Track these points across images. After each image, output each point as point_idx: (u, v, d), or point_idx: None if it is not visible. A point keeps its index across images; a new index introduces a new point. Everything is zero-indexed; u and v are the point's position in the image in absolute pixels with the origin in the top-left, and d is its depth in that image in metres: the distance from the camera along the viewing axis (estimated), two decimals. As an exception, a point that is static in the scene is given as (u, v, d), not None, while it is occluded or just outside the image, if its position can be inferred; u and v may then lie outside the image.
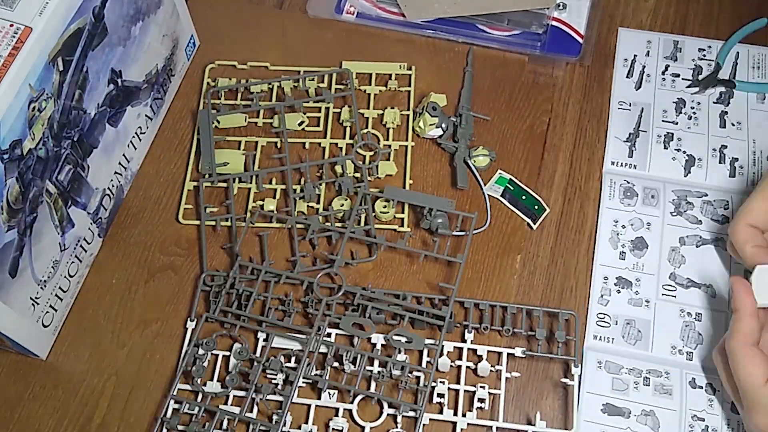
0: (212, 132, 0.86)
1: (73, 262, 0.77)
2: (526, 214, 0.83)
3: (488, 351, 0.75)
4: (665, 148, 0.86)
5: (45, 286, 0.73)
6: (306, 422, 0.73)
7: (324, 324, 0.75)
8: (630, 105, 0.89)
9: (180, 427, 0.72)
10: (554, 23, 0.92)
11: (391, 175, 0.85)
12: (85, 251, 0.79)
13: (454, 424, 0.72)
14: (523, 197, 0.83)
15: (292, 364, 0.75)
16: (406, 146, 0.87)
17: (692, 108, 0.88)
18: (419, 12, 0.93)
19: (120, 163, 0.82)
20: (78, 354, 0.77)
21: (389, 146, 0.87)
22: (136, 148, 0.85)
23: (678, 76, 0.90)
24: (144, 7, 0.79)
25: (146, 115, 0.85)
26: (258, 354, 0.76)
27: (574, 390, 0.73)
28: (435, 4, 0.93)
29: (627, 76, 0.90)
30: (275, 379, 0.74)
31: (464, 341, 0.75)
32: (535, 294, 0.79)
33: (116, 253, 0.82)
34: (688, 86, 0.90)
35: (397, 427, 0.72)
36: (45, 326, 0.75)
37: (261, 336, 0.76)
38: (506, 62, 0.92)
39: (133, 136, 0.84)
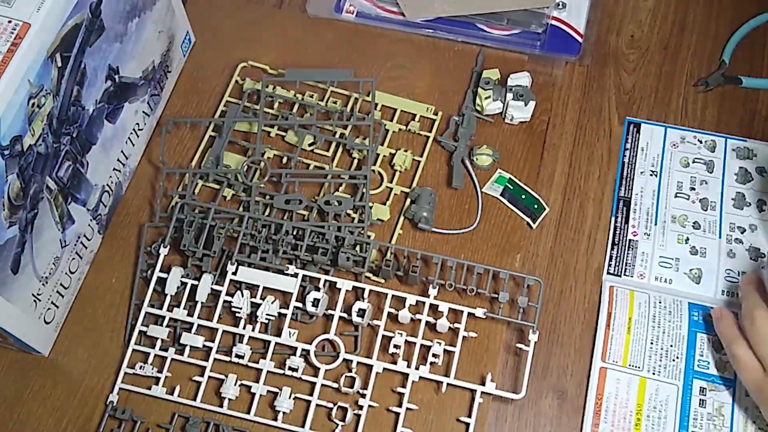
0: (231, 133, 0.86)
1: (73, 259, 0.77)
2: (525, 213, 0.83)
3: (449, 308, 0.76)
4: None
5: (46, 283, 0.73)
6: (264, 358, 0.75)
7: (259, 206, 0.81)
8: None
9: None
10: (554, 22, 0.93)
11: (383, 221, 0.83)
12: (86, 248, 0.79)
13: (406, 375, 0.74)
14: (523, 196, 0.83)
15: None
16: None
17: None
18: (419, 11, 0.93)
19: (118, 160, 0.82)
20: (78, 353, 0.77)
21: (390, 189, 0.84)
22: (134, 145, 0.84)
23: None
24: (140, 3, 0.79)
25: (143, 112, 0.85)
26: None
27: (528, 356, 0.74)
28: (434, 4, 0.93)
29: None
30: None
31: (427, 296, 0.76)
32: (535, 293, 0.79)
33: (116, 252, 0.82)
34: (695, 84, 0.90)
35: (351, 372, 0.74)
36: (47, 323, 0.75)
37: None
38: (506, 61, 0.91)
39: (131, 133, 0.83)
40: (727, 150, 0.86)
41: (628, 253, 0.81)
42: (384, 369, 0.74)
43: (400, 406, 0.73)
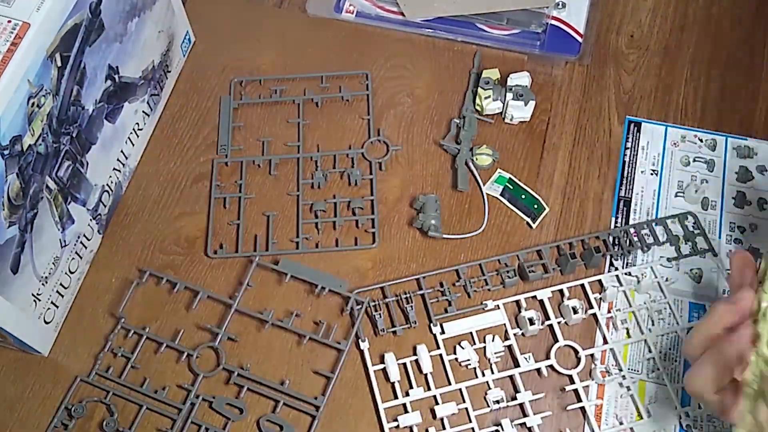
0: (231, 117, 0.88)
1: (73, 259, 0.77)
2: (525, 213, 0.83)
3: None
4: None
5: (46, 283, 0.73)
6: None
7: (198, 401, 0.73)
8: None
9: None
10: (553, 22, 0.93)
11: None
12: (85, 248, 0.79)
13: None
14: (523, 196, 0.83)
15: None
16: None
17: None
18: (418, 11, 0.93)
19: (118, 160, 0.82)
20: (78, 353, 0.76)
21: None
22: (134, 145, 0.84)
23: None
24: (140, 3, 0.79)
25: (143, 112, 0.85)
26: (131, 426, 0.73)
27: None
28: (434, 4, 0.93)
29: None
30: None
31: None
32: (535, 293, 0.79)
33: (116, 252, 0.82)
34: None
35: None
36: (47, 323, 0.75)
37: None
38: (505, 61, 0.91)
39: (131, 133, 0.83)
40: (728, 149, 0.86)
41: (629, 253, 0.81)
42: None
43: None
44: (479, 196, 0.84)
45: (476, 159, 0.84)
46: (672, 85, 0.91)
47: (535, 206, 0.83)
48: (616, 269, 0.79)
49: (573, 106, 0.89)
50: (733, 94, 0.90)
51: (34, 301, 0.72)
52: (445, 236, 0.81)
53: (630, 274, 0.79)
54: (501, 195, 0.84)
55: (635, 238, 0.80)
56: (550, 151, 0.87)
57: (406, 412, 0.73)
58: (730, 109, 0.89)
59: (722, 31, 0.94)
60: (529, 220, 0.82)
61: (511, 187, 0.84)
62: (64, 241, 0.74)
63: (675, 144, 0.87)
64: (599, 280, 0.79)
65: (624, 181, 0.85)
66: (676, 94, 0.90)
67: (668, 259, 0.79)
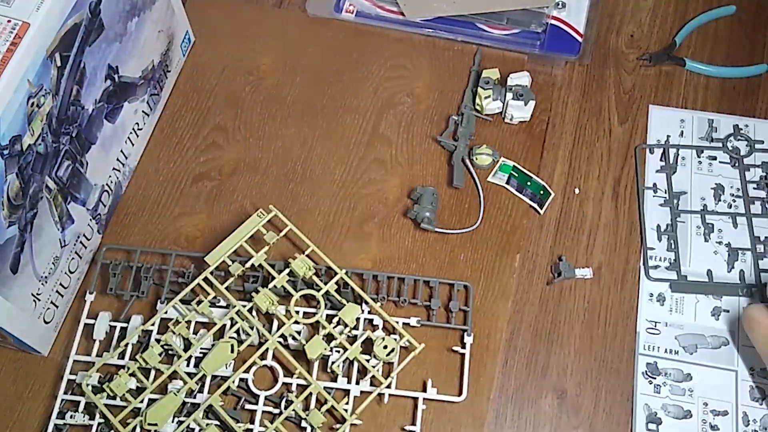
0: None
1: (73, 259, 0.77)
2: (532, 199, 0.83)
3: (384, 321, 0.76)
4: (706, 240, 0.82)
5: (46, 282, 0.73)
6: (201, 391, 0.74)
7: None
8: (665, 192, 0.85)
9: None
10: (554, 22, 0.93)
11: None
12: (85, 247, 0.79)
13: (348, 391, 0.73)
14: (528, 183, 0.83)
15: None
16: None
17: (732, 195, 0.84)
18: (418, 11, 0.93)
19: (118, 159, 0.82)
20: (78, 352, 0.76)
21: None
22: (133, 145, 0.84)
23: (715, 159, 0.86)
24: (139, 3, 0.79)
25: (143, 111, 0.85)
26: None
27: (466, 358, 0.75)
28: (434, 3, 0.93)
29: (660, 160, 0.86)
30: None
31: (361, 312, 0.76)
32: (534, 293, 0.79)
33: (115, 252, 0.81)
34: (638, 58, 0.92)
35: (292, 395, 0.73)
36: (47, 323, 0.75)
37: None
38: (505, 61, 0.92)
39: (131, 132, 0.83)
40: None
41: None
42: (325, 388, 0.73)
43: (343, 422, 0.72)
44: (480, 193, 0.84)
45: (476, 159, 0.84)
46: (672, 86, 0.91)
47: (542, 192, 0.83)
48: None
49: (573, 106, 0.89)
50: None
51: (34, 301, 0.72)
52: (437, 230, 0.81)
53: None
54: (507, 183, 0.84)
55: None
56: (550, 151, 0.87)
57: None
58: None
59: (723, 30, 0.94)
60: (536, 206, 0.83)
61: (516, 175, 0.84)
62: (64, 240, 0.74)
63: None
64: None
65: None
66: (676, 95, 0.90)
67: None
